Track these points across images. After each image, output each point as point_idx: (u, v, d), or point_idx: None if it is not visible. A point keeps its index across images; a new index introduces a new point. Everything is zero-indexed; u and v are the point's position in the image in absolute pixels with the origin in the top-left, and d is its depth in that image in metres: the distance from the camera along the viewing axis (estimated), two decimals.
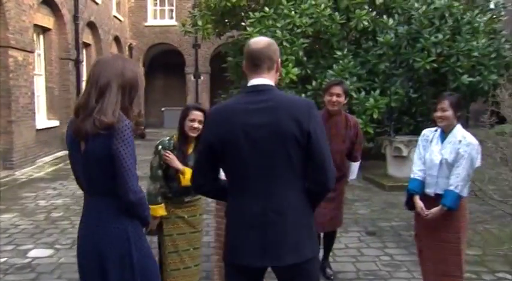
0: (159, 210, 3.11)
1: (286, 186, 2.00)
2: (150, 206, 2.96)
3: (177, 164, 3.11)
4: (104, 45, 15.84)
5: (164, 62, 22.04)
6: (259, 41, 2.11)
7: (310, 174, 2.04)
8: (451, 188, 3.09)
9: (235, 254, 2.05)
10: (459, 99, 3.32)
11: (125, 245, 1.98)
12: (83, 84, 14.14)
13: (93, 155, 1.93)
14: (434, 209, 3.16)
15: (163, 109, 21.37)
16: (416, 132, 8.89)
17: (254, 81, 2.07)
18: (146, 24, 20.27)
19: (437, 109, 3.23)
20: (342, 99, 3.79)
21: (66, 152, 8.95)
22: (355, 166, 4.09)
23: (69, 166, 7.61)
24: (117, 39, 18.04)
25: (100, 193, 2.01)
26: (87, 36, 14.57)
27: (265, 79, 2.06)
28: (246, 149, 1.97)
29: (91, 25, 14.75)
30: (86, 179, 2.03)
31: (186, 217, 3.25)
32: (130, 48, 19.92)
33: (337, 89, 3.78)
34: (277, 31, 8.79)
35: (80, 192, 7.41)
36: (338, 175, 3.46)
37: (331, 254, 4.29)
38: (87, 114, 1.91)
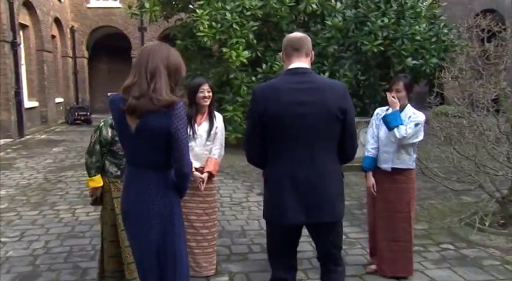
0: (91, 182, 3.27)
1: (326, 156, 2.34)
2: (87, 179, 3.25)
3: None
4: (44, 27, 15.01)
5: (109, 45, 21.23)
6: (297, 34, 2.46)
7: (343, 146, 2.40)
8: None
9: (280, 214, 2.33)
10: (411, 81, 3.65)
11: (169, 216, 2.21)
12: (22, 69, 13.50)
13: (147, 131, 2.09)
14: None
15: (109, 94, 20.59)
16: (364, 114, 9.17)
17: (295, 64, 2.36)
18: (89, 5, 19.38)
19: (392, 90, 3.48)
20: None
21: (6, 140, 8.43)
22: None
23: (11, 155, 7.22)
24: (57, 21, 17.15)
25: (149, 166, 2.17)
26: (23, 17, 13.74)
27: (304, 63, 2.36)
28: (294, 123, 2.26)
29: (28, 5, 13.90)
30: (135, 152, 2.19)
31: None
32: (73, 30, 19.00)
33: None
34: (227, 14, 8.70)
35: (24, 182, 7.12)
36: None
37: None
38: (142, 94, 2.07)
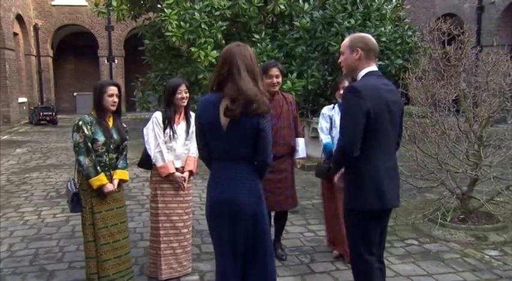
0: (96, 182, 3.17)
1: (396, 148, 2.73)
2: (95, 178, 3.12)
3: None
4: (5, 24, 14.55)
5: (75, 44, 20.81)
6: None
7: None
8: None
9: (380, 200, 2.57)
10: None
11: (257, 201, 2.49)
12: None
13: (239, 130, 2.37)
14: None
15: (75, 94, 20.21)
16: None
17: (374, 68, 2.64)
18: (53, 3, 18.89)
19: (340, 88, 3.87)
20: (280, 80, 3.89)
21: None
22: (302, 143, 4.09)
23: None
24: (20, 19, 16.65)
25: (238, 159, 2.45)
26: None
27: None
28: (387, 119, 2.56)
29: None
30: (226, 147, 2.44)
31: (114, 191, 3.32)
32: (36, 28, 18.49)
33: (276, 71, 3.83)
34: (196, 13, 8.68)
35: None
36: (288, 151, 3.93)
37: None
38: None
